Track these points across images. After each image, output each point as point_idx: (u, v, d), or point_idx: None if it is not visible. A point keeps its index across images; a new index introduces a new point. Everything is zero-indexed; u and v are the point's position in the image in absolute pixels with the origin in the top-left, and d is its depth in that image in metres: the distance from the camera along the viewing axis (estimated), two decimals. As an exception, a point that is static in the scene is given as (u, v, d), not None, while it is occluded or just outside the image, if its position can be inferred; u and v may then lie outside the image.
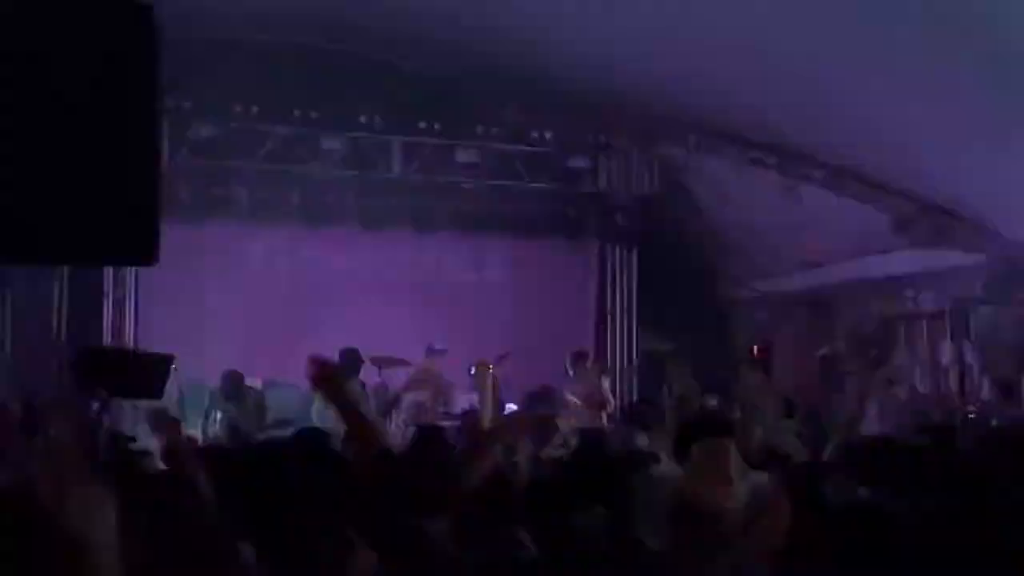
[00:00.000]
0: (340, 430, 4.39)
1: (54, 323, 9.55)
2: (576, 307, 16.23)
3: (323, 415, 12.54)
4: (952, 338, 15.25)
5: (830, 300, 17.51)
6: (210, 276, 14.33)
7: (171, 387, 11.88)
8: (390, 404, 12.46)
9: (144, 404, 10.45)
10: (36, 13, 7.09)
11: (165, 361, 10.62)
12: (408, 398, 12.84)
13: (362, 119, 14.84)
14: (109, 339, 14.04)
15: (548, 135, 15.59)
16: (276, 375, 14.58)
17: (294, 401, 14.01)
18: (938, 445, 6.04)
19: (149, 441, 7.42)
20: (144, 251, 7.29)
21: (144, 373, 9.20)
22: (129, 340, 14.15)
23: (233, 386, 12.59)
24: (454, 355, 15.24)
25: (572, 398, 13.46)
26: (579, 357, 13.83)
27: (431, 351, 14.98)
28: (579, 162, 15.70)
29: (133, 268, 13.33)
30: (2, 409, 7.43)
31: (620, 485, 4.74)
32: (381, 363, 13.31)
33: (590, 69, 13.94)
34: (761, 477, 3.32)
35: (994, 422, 13.27)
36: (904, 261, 15.12)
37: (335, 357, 13.02)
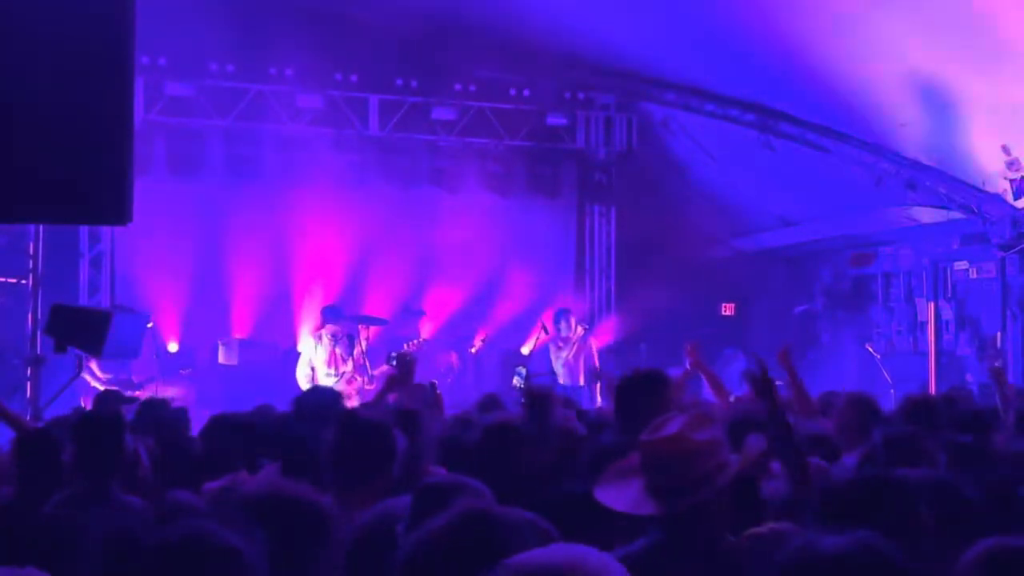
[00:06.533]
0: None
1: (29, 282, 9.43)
2: (555, 264, 16.22)
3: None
4: (929, 295, 15.34)
5: (808, 257, 17.58)
6: (186, 234, 14.25)
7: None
8: None
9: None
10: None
11: (141, 320, 10.63)
12: None
13: (338, 77, 14.73)
14: (86, 298, 13.98)
15: (526, 92, 15.54)
16: (254, 335, 14.57)
17: (273, 361, 14.05)
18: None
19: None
20: (118, 210, 7.24)
21: (121, 332, 9.18)
22: (107, 299, 14.09)
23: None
24: (432, 314, 15.29)
25: (559, 354, 13.61)
26: (564, 314, 13.88)
27: (408, 311, 15.01)
28: (557, 119, 15.63)
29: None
30: None
31: None
32: (360, 321, 13.30)
33: (567, 26, 13.85)
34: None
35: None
36: (882, 218, 15.17)
37: (317, 315, 13.07)
